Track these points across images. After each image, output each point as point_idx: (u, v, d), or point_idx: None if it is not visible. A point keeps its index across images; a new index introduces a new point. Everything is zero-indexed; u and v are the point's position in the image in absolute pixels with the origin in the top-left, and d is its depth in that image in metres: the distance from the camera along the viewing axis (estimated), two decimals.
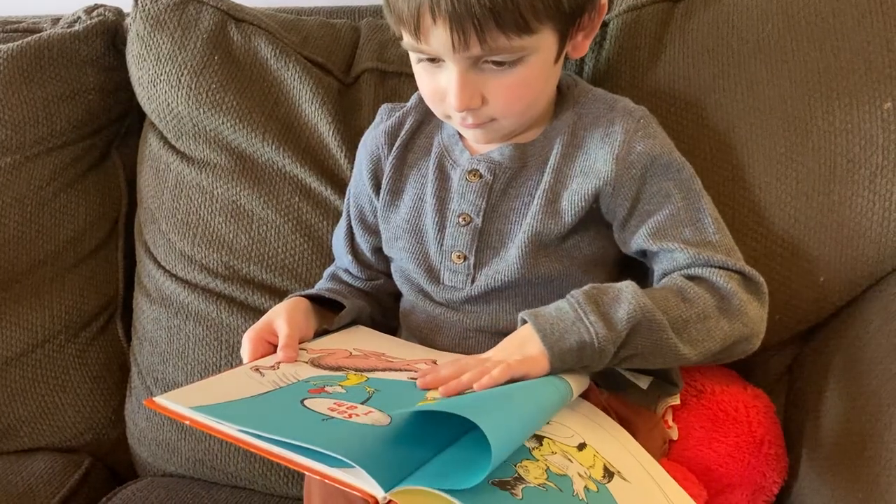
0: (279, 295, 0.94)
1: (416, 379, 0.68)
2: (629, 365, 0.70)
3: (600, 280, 0.79)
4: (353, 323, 0.82)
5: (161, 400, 0.61)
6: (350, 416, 0.60)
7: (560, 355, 0.65)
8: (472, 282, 0.78)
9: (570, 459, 0.60)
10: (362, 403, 0.62)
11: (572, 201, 0.75)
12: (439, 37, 0.67)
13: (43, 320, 1.04)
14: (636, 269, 0.82)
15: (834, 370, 0.80)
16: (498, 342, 0.77)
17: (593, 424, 0.68)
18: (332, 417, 0.59)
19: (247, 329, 0.76)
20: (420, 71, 0.74)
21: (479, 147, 0.80)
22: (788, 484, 0.79)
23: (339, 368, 0.70)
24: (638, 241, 0.74)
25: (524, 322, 0.68)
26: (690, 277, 0.71)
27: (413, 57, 0.74)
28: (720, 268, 0.71)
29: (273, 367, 0.69)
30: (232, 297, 0.99)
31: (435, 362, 0.74)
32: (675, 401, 0.79)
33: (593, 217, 0.76)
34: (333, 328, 0.80)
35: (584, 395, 0.72)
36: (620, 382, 0.75)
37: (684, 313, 0.68)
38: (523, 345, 0.66)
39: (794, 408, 0.85)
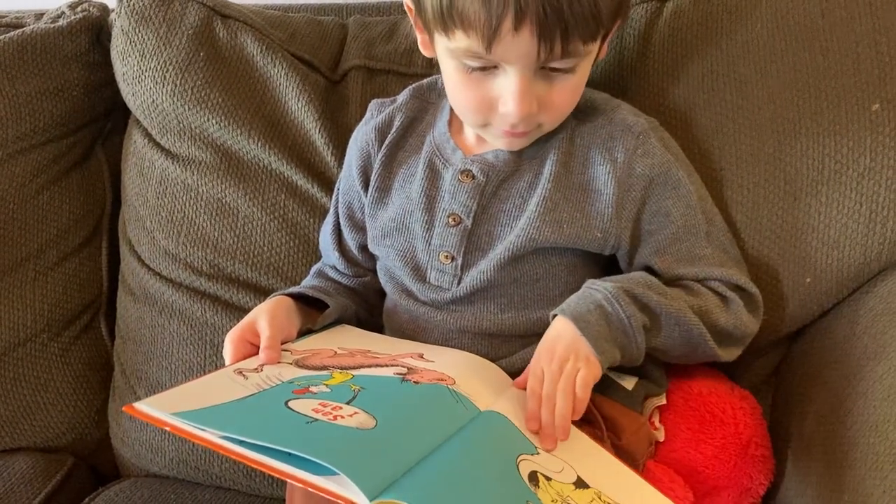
0: (264, 293, 0.93)
1: (401, 374, 0.68)
2: (657, 331, 0.72)
3: (585, 280, 0.79)
4: (337, 322, 0.82)
5: (141, 406, 0.59)
6: (335, 417, 0.59)
7: (583, 318, 0.69)
8: (459, 282, 0.78)
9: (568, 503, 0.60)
10: (348, 403, 0.62)
11: (574, 216, 0.75)
12: (520, 44, 0.64)
13: (25, 319, 1.03)
14: (619, 269, 0.82)
15: (820, 372, 0.80)
16: (481, 343, 0.77)
17: (574, 445, 0.68)
18: (317, 420, 0.59)
19: (231, 328, 0.75)
20: (465, 80, 0.70)
21: (473, 147, 0.79)
22: (775, 485, 0.79)
23: (323, 368, 0.69)
24: (642, 260, 0.77)
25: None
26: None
27: (457, 65, 0.70)
28: (715, 279, 0.76)
29: (256, 369, 0.69)
30: (217, 295, 0.98)
31: (422, 355, 0.73)
32: (661, 401, 0.79)
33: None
34: (317, 328, 0.79)
35: None
36: (606, 383, 0.75)
37: (689, 301, 0.73)
38: (556, 337, 0.70)
39: (781, 409, 0.85)
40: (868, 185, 0.79)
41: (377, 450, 0.56)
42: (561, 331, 0.69)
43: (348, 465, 0.52)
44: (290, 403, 0.61)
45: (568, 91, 0.71)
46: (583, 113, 0.78)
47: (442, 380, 0.68)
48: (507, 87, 0.68)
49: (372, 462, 0.54)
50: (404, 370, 0.69)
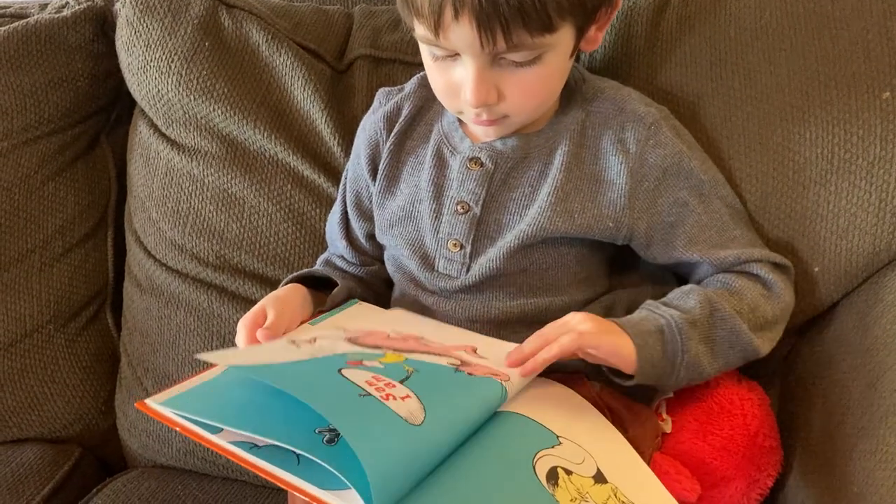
0: (271, 284, 0.93)
1: (454, 365, 0.67)
2: (712, 358, 0.72)
3: (594, 270, 0.79)
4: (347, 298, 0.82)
5: (151, 402, 0.59)
6: (387, 396, 0.58)
7: (642, 336, 0.68)
8: (467, 271, 0.77)
9: (587, 501, 0.59)
10: (401, 382, 0.60)
11: (586, 207, 0.75)
12: (462, 33, 0.65)
13: (31, 310, 1.03)
14: (628, 259, 0.82)
15: (829, 363, 0.79)
16: (489, 333, 0.77)
17: (596, 432, 0.67)
18: (370, 394, 0.57)
19: (238, 318, 0.75)
20: (435, 67, 0.73)
21: (481, 135, 0.79)
22: (783, 477, 0.79)
23: (377, 347, 0.69)
24: (673, 253, 0.76)
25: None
26: (730, 272, 0.76)
27: (426, 51, 0.73)
28: (756, 261, 0.76)
29: (310, 340, 0.69)
30: (223, 286, 0.98)
31: (475, 350, 0.72)
32: (668, 394, 0.79)
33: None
34: (326, 307, 0.79)
35: (576, 389, 0.71)
36: None
37: (738, 305, 0.73)
38: (608, 326, 0.69)
39: (789, 400, 0.85)
40: (878, 174, 0.78)
41: (408, 465, 0.54)
42: (619, 340, 0.69)
43: (369, 477, 0.50)
44: (343, 371, 0.60)
45: (529, 82, 0.70)
46: (592, 102, 0.78)
47: (496, 375, 0.66)
48: (465, 75, 0.70)
49: (396, 481, 0.52)
50: (458, 362, 0.68)
